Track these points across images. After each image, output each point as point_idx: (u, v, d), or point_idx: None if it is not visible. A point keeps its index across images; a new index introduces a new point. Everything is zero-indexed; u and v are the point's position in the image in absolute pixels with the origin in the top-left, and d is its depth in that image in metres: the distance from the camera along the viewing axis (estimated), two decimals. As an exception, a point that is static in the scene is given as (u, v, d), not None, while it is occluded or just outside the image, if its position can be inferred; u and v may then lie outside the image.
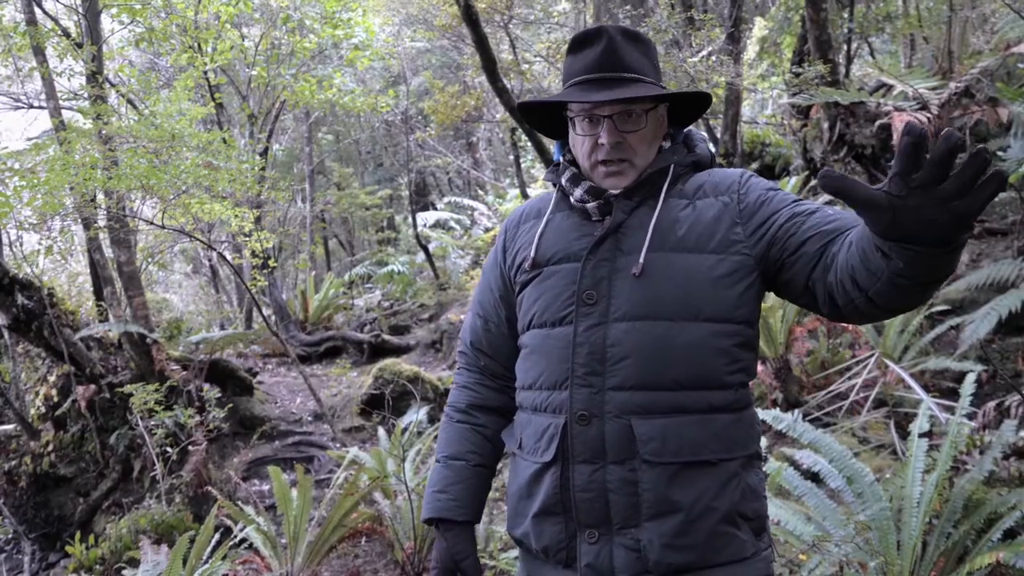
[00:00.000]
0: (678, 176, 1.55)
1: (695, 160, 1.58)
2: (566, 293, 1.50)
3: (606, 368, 1.44)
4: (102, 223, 7.08)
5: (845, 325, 4.99)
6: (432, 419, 6.69)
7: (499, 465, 1.80)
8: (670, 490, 1.39)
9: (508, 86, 6.88)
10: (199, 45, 8.69)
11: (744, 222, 1.46)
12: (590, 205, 1.54)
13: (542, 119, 1.70)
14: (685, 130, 1.64)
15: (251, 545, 4.26)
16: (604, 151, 1.50)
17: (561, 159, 1.64)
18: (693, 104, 1.60)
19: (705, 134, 1.72)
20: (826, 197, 7.11)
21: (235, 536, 4.30)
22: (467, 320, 1.77)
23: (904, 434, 3.83)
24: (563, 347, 1.48)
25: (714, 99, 8.29)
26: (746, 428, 1.49)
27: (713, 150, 1.74)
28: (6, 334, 7.42)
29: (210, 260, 14.17)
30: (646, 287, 1.44)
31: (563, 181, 1.59)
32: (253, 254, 8.20)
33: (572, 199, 1.57)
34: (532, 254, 1.57)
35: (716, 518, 1.40)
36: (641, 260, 1.44)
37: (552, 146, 6.51)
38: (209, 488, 5.68)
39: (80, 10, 7.45)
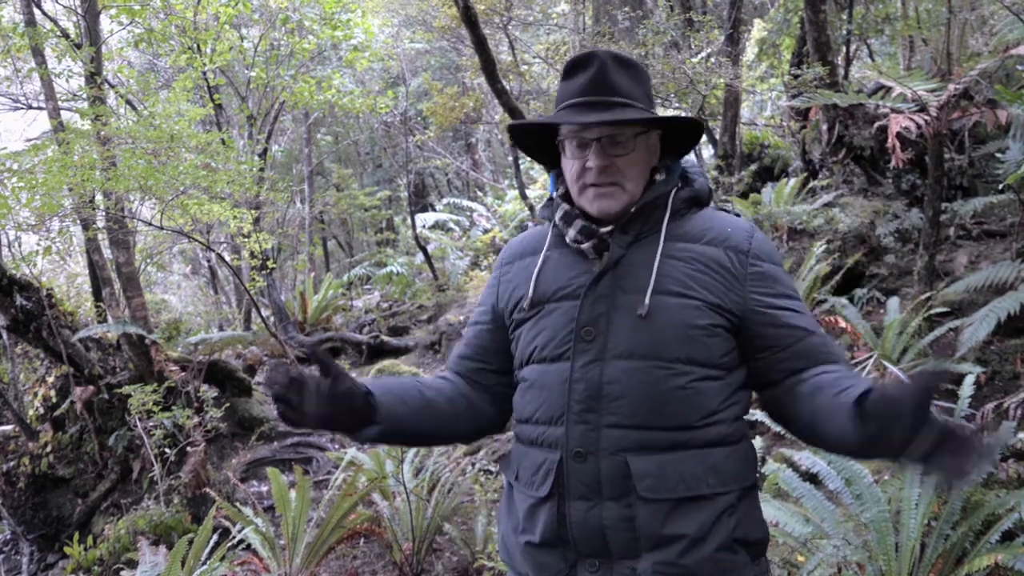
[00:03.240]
0: (676, 211, 1.54)
1: (694, 195, 1.57)
2: (564, 330, 1.49)
3: (602, 405, 1.44)
4: (101, 224, 7.07)
5: (844, 326, 5.00)
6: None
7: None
8: (666, 526, 1.40)
9: (507, 87, 6.88)
10: (198, 46, 8.69)
11: (744, 291, 1.48)
12: (584, 246, 1.53)
13: (535, 146, 1.69)
14: (682, 161, 1.63)
15: (249, 546, 4.26)
16: (592, 174, 1.50)
17: (554, 194, 1.63)
18: (686, 133, 1.60)
19: (701, 167, 1.74)
20: (827, 198, 7.12)
21: (233, 537, 4.29)
22: (453, 352, 1.77)
23: (903, 436, 3.82)
24: (560, 383, 1.48)
25: (713, 100, 8.31)
26: (742, 460, 1.49)
27: (711, 185, 1.74)
28: (5, 335, 7.42)
29: (209, 261, 14.17)
30: (647, 328, 1.44)
31: (556, 219, 1.59)
32: (252, 255, 8.21)
33: (567, 239, 1.57)
34: (531, 292, 1.57)
35: (713, 546, 1.41)
36: (647, 301, 1.44)
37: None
38: (207, 489, 5.68)
39: (79, 11, 7.45)
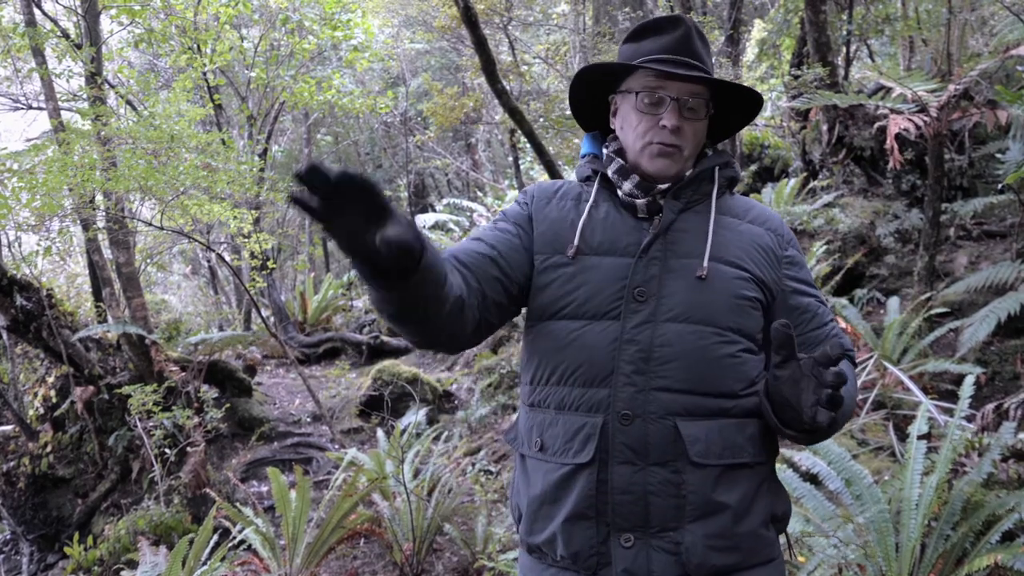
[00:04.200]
0: (721, 188, 1.57)
1: (734, 176, 1.60)
2: (613, 287, 1.45)
3: (652, 368, 1.41)
4: (101, 224, 7.07)
5: (844, 326, 5.00)
6: (431, 420, 6.69)
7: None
8: (716, 492, 1.39)
9: (507, 87, 6.88)
10: (198, 46, 8.69)
11: (780, 271, 1.53)
12: (639, 201, 1.51)
13: (585, 101, 1.65)
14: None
15: (250, 546, 4.26)
16: (664, 133, 1.48)
17: (604, 150, 1.59)
18: (729, 122, 1.64)
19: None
20: (827, 198, 7.12)
21: (234, 537, 4.29)
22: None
23: (903, 436, 3.83)
24: (608, 342, 1.42)
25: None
26: (772, 433, 1.50)
27: None
28: (5, 335, 7.42)
29: (209, 261, 14.17)
30: (704, 292, 1.44)
31: (610, 173, 1.55)
32: (252, 255, 8.21)
33: (620, 192, 1.53)
34: (576, 239, 1.50)
35: (758, 519, 1.43)
36: (706, 264, 1.45)
37: (553, 148, 6.51)
38: (208, 489, 5.68)
39: (79, 11, 7.45)
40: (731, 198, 1.59)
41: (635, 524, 1.39)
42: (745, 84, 1.59)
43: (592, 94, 1.63)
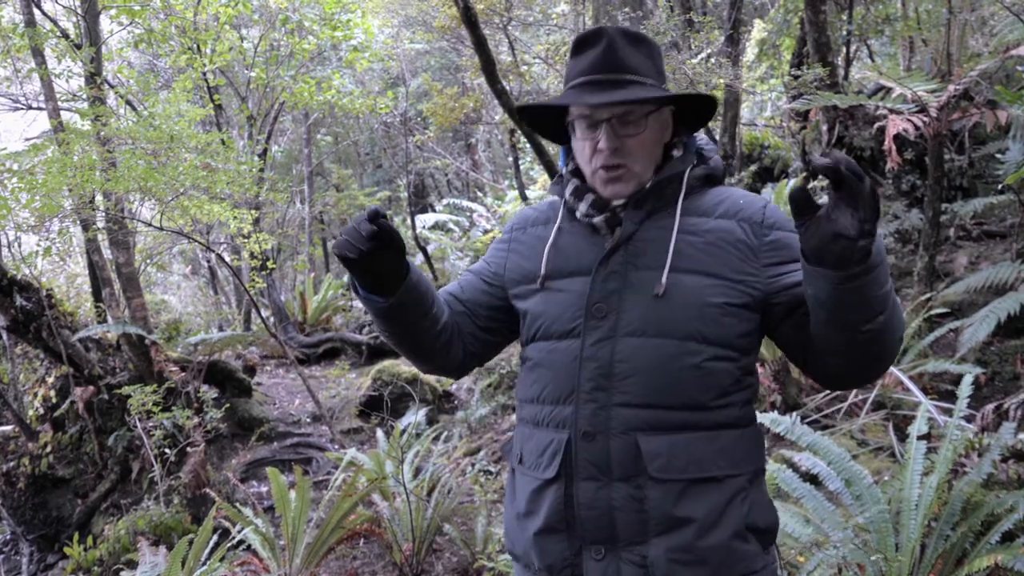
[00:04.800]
0: (691, 188, 1.51)
1: (709, 173, 1.55)
2: (574, 306, 1.47)
3: (612, 384, 1.41)
4: (101, 224, 7.07)
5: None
6: (431, 420, 6.69)
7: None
8: (677, 507, 1.38)
9: (507, 88, 6.88)
10: (198, 46, 8.69)
11: (760, 262, 1.44)
12: (596, 220, 1.51)
13: (545, 124, 1.66)
14: (697, 139, 1.60)
15: (249, 547, 4.26)
16: (603, 156, 1.47)
17: (564, 170, 1.61)
18: (699, 107, 1.56)
19: (714, 144, 1.71)
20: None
21: (233, 537, 4.29)
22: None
23: (903, 436, 3.83)
24: (570, 361, 1.45)
25: (713, 101, 8.30)
26: (751, 444, 1.47)
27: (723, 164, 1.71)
28: (5, 335, 7.42)
29: (209, 262, 14.17)
30: (661, 306, 1.41)
31: (567, 195, 1.56)
32: (252, 255, 8.21)
33: (577, 214, 1.54)
34: (543, 268, 1.54)
35: (726, 533, 1.39)
36: (664, 280, 1.42)
37: (552, 149, 6.53)
38: (207, 489, 5.68)
39: (79, 11, 7.45)
40: (703, 194, 1.53)
41: (604, 538, 1.41)
42: (662, 90, 1.49)
43: (552, 118, 1.63)
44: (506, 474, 1.69)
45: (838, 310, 1.27)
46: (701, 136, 1.62)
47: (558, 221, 1.59)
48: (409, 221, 12.31)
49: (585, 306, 1.46)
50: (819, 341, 1.36)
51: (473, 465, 5.35)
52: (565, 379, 1.46)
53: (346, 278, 13.38)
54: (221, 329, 12.20)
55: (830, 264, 1.20)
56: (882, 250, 1.23)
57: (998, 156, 5.88)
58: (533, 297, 1.55)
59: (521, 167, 12.47)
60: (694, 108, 1.56)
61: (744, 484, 1.43)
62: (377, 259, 1.38)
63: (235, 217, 7.22)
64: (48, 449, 6.88)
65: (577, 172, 1.58)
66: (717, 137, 9.20)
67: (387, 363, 7.82)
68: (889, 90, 5.26)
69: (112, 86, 9.32)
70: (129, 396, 6.17)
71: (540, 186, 12.95)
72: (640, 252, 1.46)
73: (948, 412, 3.50)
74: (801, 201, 1.18)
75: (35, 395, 7.35)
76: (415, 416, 6.18)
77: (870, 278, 1.21)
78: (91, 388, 6.72)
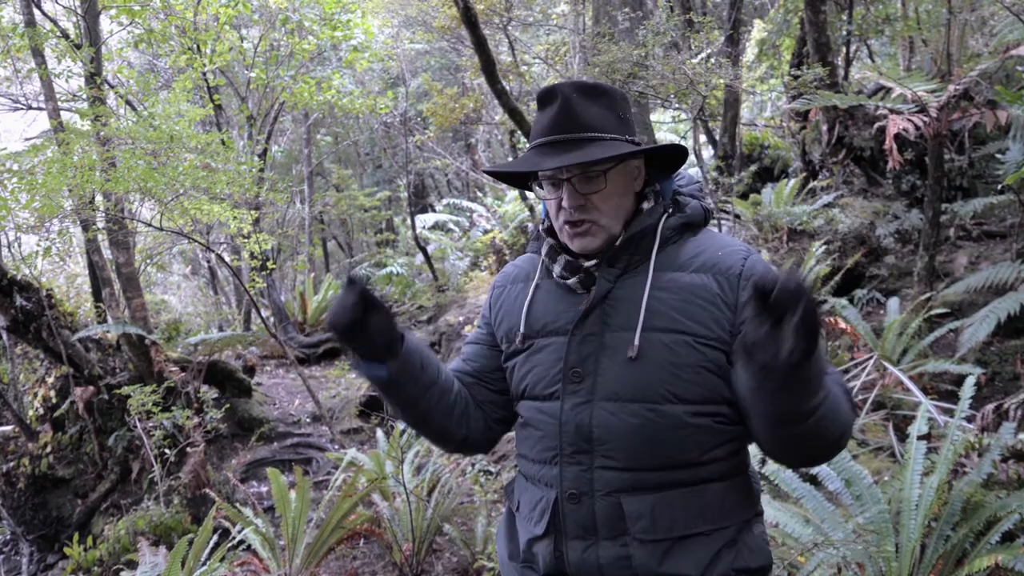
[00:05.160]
0: (666, 240, 1.48)
1: (684, 222, 1.51)
2: (555, 369, 1.48)
3: (593, 447, 1.42)
4: (101, 225, 7.07)
5: (844, 327, 5.00)
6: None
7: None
8: (664, 565, 1.38)
9: (507, 88, 6.89)
10: (198, 46, 8.69)
11: (737, 318, 1.39)
12: (571, 282, 1.50)
13: (520, 179, 1.64)
14: (678, 179, 1.57)
15: (249, 547, 4.26)
16: (566, 213, 1.46)
17: (541, 228, 1.61)
18: (671, 151, 1.53)
19: (700, 183, 1.67)
20: (827, 199, 7.12)
21: (233, 538, 4.29)
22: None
23: (903, 436, 3.83)
24: (552, 423, 1.47)
25: (713, 101, 8.31)
26: (741, 493, 1.46)
27: (710, 205, 1.65)
28: (5, 335, 7.42)
29: (209, 262, 14.17)
30: (635, 369, 1.40)
31: (543, 255, 1.57)
32: (252, 256, 8.20)
33: (553, 275, 1.54)
34: (522, 326, 1.55)
35: None
36: (636, 342, 1.40)
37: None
38: (207, 490, 5.68)
39: (79, 11, 7.45)
40: (682, 245, 1.49)
41: None
42: (623, 143, 1.46)
43: (525, 176, 1.61)
44: (511, 469, 1.70)
45: (759, 407, 1.26)
46: (687, 175, 1.59)
47: (535, 279, 1.60)
48: (409, 221, 12.31)
49: (563, 369, 1.46)
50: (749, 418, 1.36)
51: (473, 465, 5.35)
52: (550, 440, 1.47)
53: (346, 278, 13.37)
54: (221, 329, 12.20)
55: (764, 373, 1.15)
56: (815, 371, 1.16)
57: (998, 156, 5.88)
58: (516, 357, 1.57)
59: (521, 167, 12.43)
60: (665, 151, 1.53)
61: (733, 535, 1.42)
62: (368, 322, 1.40)
63: (235, 217, 7.22)
64: (48, 449, 6.88)
65: (552, 230, 1.58)
66: (717, 137, 9.21)
67: (387, 363, 7.81)
68: (889, 90, 5.27)
69: (112, 86, 9.32)
70: (129, 396, 6.17)
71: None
72: (614, 312, 1.45)
73: (948, 412, 3.50)
74: (758, 304, 1.11)
75: (35, 395, 7.35)
76: (415, 416, 6.16)
77: (792, 393, 1.18)
78: (91, 388, 6.72)
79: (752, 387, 1.22)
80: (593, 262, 1.48)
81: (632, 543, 1.39)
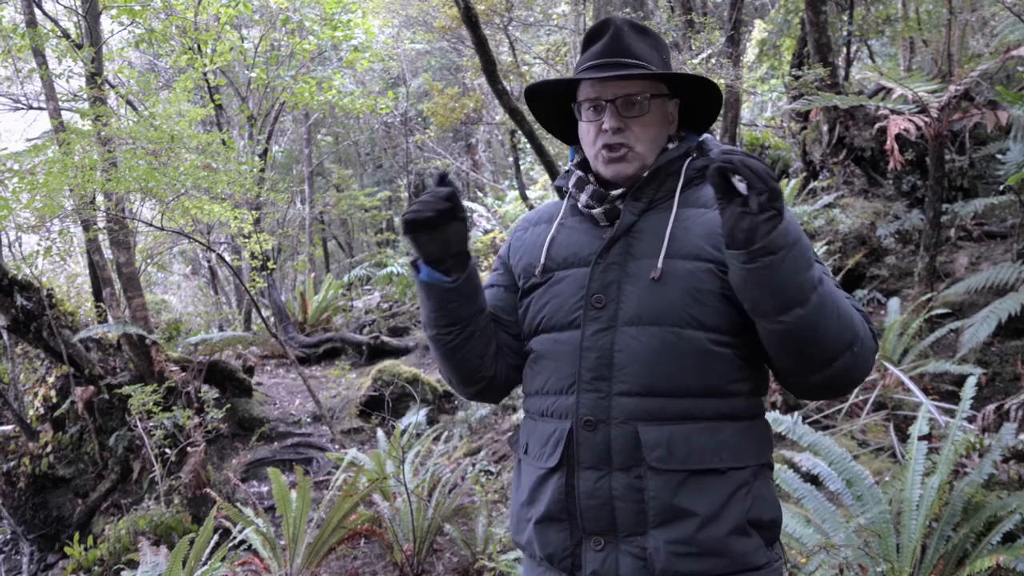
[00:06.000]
0: (690, 180, 1.53)
1: (708, 164, 1.52)
2: (575, 297, 1.49)
3: (613, 373, 1.42)
4: (101, 224, 7.08)
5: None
6: (431, 421, 6.69)
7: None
8: (677, 498, 1.38)
9: (508, 88, 6.88)
10: (198, 46, 8.70)
11: None
12: (595, 211, 1.53)
13: (551, 115, 1.69)
14: (701, 137, 1.61)
15: (250, 547, 4.26)
16: (606, 136, 1.49)
17: (571, 163, 1.64)
18: (706, 104, 1.59)
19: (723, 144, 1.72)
20: (827, 199, 7.12)
21: (234, 538, 4.29)
22: None
23: (903, 437, 3.83)
24: (571, 351, 1.47)
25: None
26: (756, 437, 1.47)
27: None
28: (5, 335, 7.42)
29: (209, 262, 14.17)
30: (658, 293, 1.42)
31: (570, 186, 1.59)
32: (252, 256, 8.21)
33: (579, 205, 1.57)
34: (543, 258, 1.57)
35: (727, 527, 1.38)
36: (659, 265, 1.43)
37: (553, 149, 6.53)
38: (208, 489, 5.67)
39: (80, 11, 7.46)
40: (704, 186, 1.52)
41: (604, 528, 1.42)
42: (685, 71, 1.55)
43: (555, 109, 1.66)
44: (511, 468, 1.69)
45: (751, 296, 1.31)
46: (714, 139, 1.63)
47: (559, 217, 1.62)
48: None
49: (584, 296, 1.48)
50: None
51: (474, 465, 5.35)
52: (567, 369, 1.47)
53: (346, 278, 13.39)
54: (221, 329, 12.20)
55: (740, 244, 1.25)
56: (793, 235, 1.26)
57: (999, 157, 5.88)
58: (534, 291, 1.57)
59: (521, 167, 12.46)
60: (698, 105, 1.59)
61: (748, 478, 1.42)
62: (448, 226, 1.44)
63: (235, 217, 7.22)
64: (48, 449, 6.88)
65: (581, 165, 1.61)
66: (718, 138, 9.20)
67: (387, 363, 7.82)
68: (890, 91, 5.26)
69: (113, 86, 9.33)
70: (129, 396, 6.17)
71: (540, 187, 12.95)
72: (637, 242, 1.48)
73: (949, 413, 3.51)
74: (719, 185, 1.25)
75: (35, 395, 7.34)
76: (416, 416, 6.18)
77: (776, 258, 1.24)
78: (91, 388, 6.72)
79: (741, 276, 1.29)
80: (620, 191, 1.51)
81: (647, 473, 1.39)
